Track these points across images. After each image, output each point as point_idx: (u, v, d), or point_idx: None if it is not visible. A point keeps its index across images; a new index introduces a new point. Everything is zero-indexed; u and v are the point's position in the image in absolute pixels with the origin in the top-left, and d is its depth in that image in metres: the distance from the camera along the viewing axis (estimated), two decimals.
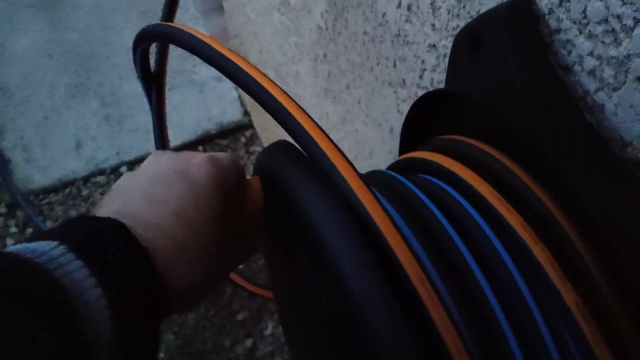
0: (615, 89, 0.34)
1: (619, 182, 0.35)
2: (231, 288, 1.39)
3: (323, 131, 0.32)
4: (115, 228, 0.30)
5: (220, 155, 0.39)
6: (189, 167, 0.36)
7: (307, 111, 0.33)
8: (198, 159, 0.36)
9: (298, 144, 0.33)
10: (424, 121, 0.43)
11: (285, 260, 0.43)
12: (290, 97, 0.34)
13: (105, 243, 0.29)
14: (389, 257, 0.29)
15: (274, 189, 0.37)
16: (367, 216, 0.30)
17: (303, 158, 0.34)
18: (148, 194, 0.34)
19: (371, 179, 0.41)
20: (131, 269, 0.29)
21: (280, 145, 0.37)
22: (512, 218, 0.33)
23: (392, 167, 0.44)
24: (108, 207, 0.33)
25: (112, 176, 1.69)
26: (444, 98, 0.39)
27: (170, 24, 0.38)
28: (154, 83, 0.70)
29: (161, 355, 1.31)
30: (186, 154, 0.37)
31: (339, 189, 0.31)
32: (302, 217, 0.31)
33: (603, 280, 0.31)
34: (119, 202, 0.34)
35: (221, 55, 0.35)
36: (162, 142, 0.74)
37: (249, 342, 1.31)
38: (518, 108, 0.37)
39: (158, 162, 0.37)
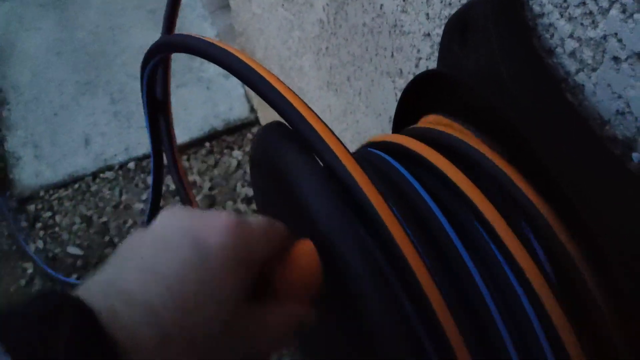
0: (593, 69, 0.36)
1: (597, 160, 0.36)
2: None
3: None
4: (76, 318, 0.23)
5: (251, 220, 0.31)
6: (204, 231, 0.29)
7: (316, 112, 0.33)
8: (218, 222, 0.29)
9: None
10: (414, 105, 0.45)
11: None
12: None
13: (55, 342, 0.22)
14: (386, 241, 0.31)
15: (269, 170, 0.38)
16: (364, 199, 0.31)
17: (294, 137, 0.35)
18: (145, 262, 0.27)
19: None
20: None
21: (273, 126, 0.38)
22: (474, 194, 0.34)
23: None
24: (103, 273, 0.28)
25: (120, 172, 1.71)
26: (431, 80, 0.41)
27: (192, 35, 0.39)
28: (160, 113, 0.68)
29: None
30: (207, 213, 0.30)
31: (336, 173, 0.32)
32: (298, 199, 0.32)
33: (581, 261, 0.33)
34: (113, 270, 0.28)
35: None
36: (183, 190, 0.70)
37: None
38: (503, 91, 0.38)
39: (170, 221, 0.30)
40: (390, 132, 0.71)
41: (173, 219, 0.30)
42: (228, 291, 0.28)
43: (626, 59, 0.33)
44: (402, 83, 0.65)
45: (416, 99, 0.44)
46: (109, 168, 1.74)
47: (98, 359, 0.22)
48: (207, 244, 0.28)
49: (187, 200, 0.72)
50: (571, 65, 0.37)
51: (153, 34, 1.80)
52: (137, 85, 0.93)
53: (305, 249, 0.31)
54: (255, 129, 1.77)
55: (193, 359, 0.26)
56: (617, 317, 0.32)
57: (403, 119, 0.47)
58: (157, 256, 0.27)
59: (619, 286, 0.31)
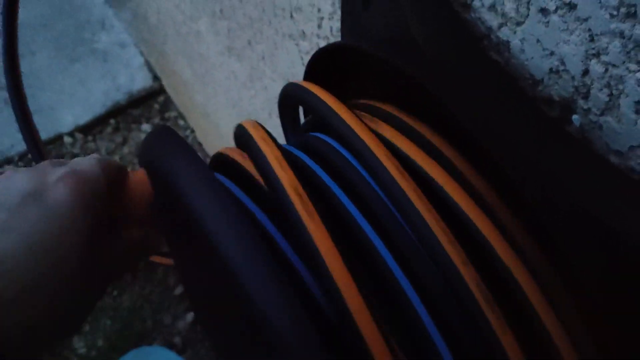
0: (519, 24, 0.31)
1: (530, 123, 0.32)
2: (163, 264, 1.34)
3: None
4: None
5: (82, 163, 0.34)
6: (43, 188, 0.31)
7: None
8: (53, 176, 0.32)
9: None
10: (322, 79, 0.39)
11: (178, 247, 0.39)
12: None
13: None
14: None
15: (157, 178, 0.32)
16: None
17: (183, 145, 0.30)
18: None
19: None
20: None
21: (159, 132, 0.32)
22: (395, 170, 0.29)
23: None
24: None
25: (20, 163, 1.58)
26: (336, 53, 0.35)
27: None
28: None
29: (99, 342, 1.26)
30: (41, 169, 0.33)
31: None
32: (183, 205, 0.27)
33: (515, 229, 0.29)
34: None
35: None
36: (29, 130, 0.65)
37: (189, 316, 1.28)
38: (419, 56, 0.33)
39: (7, 186, 0.32)
40: None
41: (10, 183, 0.32)
42: (81, 231, 0.31)
43: (556, 10, 0.28)
44: (306, 45, 0.59)
45: (324, 74, 0.38)
46: (8, 161, 1.61)
47: None
48: (51, 199, 0.31)
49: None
50: (492, 20, 0.32)
51: None
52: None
53: (138, 175, 0.36)
54: (161, 98, 1.67)
55: (59, 291, 0.30)
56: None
57: None
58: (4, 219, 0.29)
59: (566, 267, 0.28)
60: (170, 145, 0.30)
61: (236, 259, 0.24)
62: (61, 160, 0.36)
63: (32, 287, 0.29)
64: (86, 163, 0.34)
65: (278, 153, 0.30)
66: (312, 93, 0.33)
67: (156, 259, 1.18)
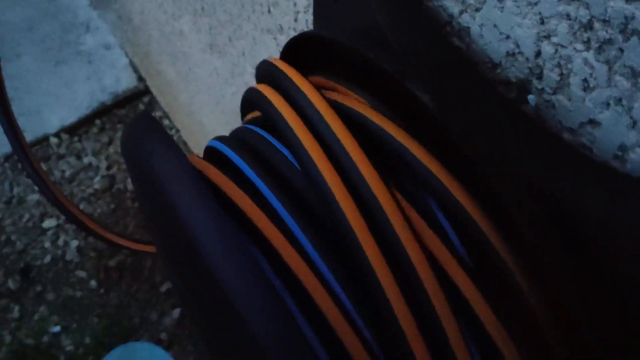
0: (477, 9, 0.33)
1: (490, 106, 0.34)
2: (150, 261, 1.35)
3: None
4: None
5: None
6: None
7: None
8: None
9: None
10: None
11: (158, 236, 0.41)
12: None
13: None
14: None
15: (135, 164, 0.34)
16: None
17: (158, 129, 0.31)
18: None
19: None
20: None
21: (137, 118, 0.33)
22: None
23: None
24: None
25: (6, 164, 1.59)
26: (307, 43, 0.37)
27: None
28: None
29: (87, 340, 1.27)
30: None
31: None
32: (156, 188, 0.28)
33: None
34: None
35: None
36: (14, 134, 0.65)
37: (176, 312, 1.29)
38: (385, 45, 0.35)
39: None
40: None
41: None
42: None
43: None
44: (284, 39, 0.60)
45: (295, 63, 0.40)
46: None
47: None
48: None
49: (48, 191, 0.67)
50: (454, 7, 0.34)
51: None
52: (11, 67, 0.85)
53: None
54: (146, 98, 1.68)
55: None
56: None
57: None
58: None
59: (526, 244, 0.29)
60: (145, 130, 0.31)
61: (211, 251, 0.25)
62: None
63: None
64: None
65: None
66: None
67: (139, 246, 1.20)
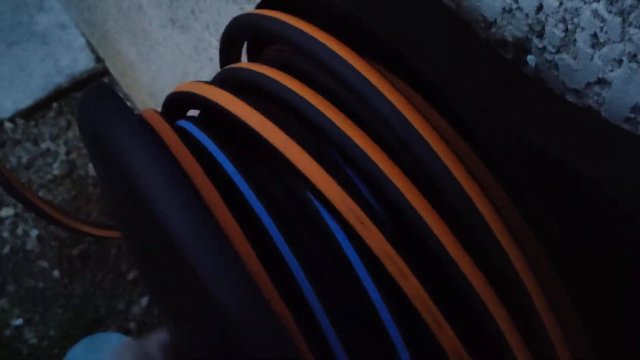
0: None
1: (485, 66, 0.31)
2: (115, 249, 1.31)
3: None
4: None
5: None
6: None
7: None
8: None
9: None
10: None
11: (121, 215, 0.37)
12: None
13: None
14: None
15: (95, 142, 0.30)
16: None
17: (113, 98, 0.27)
18: None
19: None
20: None
21: (92, 89, 0.30)
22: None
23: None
24: None
25: None
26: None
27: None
28: None
29: (51, 332, 1.22)
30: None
31: None
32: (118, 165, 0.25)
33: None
34: None
35: None
36: None
37: (144, 300, 1.25)
38: (370, 6, 0.32)
39: None
40: None
41: None
42: None
43: None
44: (251, 9, 0.57)
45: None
46: None
47: None
48: None
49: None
50: None
51: None
52: None
53: None
54: (105, 80, 1.62)
55: None
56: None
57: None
58: None
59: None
60: (99, 101, 0.27)
61: (168, 214, 0.22)
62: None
63: None
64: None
65: None
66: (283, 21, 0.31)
67: (103, 232, 1.15)
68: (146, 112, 0.30)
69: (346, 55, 0.28)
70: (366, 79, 0.27)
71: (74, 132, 1.53)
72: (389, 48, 0.28)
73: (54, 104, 1.58)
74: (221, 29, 0.66)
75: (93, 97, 0.27)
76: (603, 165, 0.26)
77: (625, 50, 0.25)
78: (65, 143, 1.51)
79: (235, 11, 0.60)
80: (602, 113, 0.28)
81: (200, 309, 0.25)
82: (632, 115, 0.26)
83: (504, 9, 0.29)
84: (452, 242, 0.25)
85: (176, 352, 0.40)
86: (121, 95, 1.58)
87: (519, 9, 0.29)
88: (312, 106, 0.28)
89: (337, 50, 0.28)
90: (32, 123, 1.54)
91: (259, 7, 0.36)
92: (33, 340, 1.20)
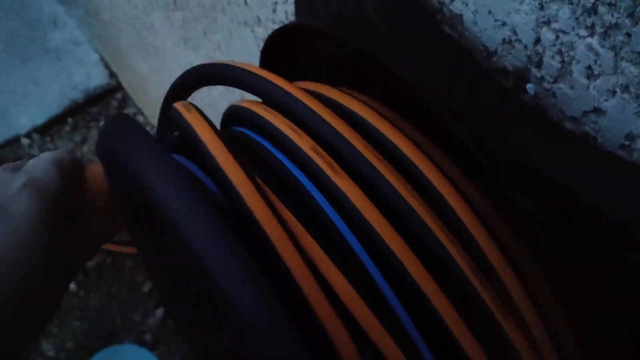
0: None
1: (486, 94, 0.32)
2: (131, 261, 1.32)
3: None
4: None
5: (38, 167, 0.35)
6: (6, 202, 0.32)
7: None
8: (13, 189, 0.33)
9: None
10: (277, 62, 0.39)
11: (141, 238, 0.39)
12: None
13: None
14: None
15: (117, 170, 0.32)
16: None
17: (142, 132, 0.29)
18: None
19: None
20: None
21: (118, 121, 0.31)
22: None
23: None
24: None
25: None
26: (290, 34, 0.35)
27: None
28: None
29: (68, 344, 1.24)
30: (1, 182, 0.34)
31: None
32: (147, 197, 0.26)
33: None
34: None
35: None
36: None
37: (159, 312, 1.27)
38: (374, 34, 0.33)
39: None
40: None
41: None
42: (41, 240, 0.32)
43: None
44: (262, 32, 0.58)
45: (281, 54, 0.38)
46: None
47: None
48: (12, 212, 0.32)
49: None
50: None
51: None
52: None
53: (94, 168, 0.39)
54: (119, 95, 1.64)
55: (24, 296, 0.32)
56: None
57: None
58: None
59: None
60: (126, 131, 0.29)
61: (198, 241, 0.23)
62: (16, 163, 0.36)
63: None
64: (42, 167, 0.35)
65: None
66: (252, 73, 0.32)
67: (115, 247, 1.17)
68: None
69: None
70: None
71: (89, 147, 1.55)
72: (390, 77, 0.30)
73: (69, 119, 1.60)
74: (232, 49, 0.68)
75: (120, 129, 0.28)
76: (601, 189, 0.27)
77: (618, 82, 0.26)
78: (81, 157, 1.53)
79: (246, 33, 0.62)
80: (599, 140, 0.29)
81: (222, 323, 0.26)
82: (627, 143, 0.27)
83: (504, 40, 0.31)
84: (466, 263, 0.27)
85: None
86: (134, 110, 1.61)
87: (518, 40, 0.30)
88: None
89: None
90: (47, 138, 1.57)
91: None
92: (51, 353, 1.22)
